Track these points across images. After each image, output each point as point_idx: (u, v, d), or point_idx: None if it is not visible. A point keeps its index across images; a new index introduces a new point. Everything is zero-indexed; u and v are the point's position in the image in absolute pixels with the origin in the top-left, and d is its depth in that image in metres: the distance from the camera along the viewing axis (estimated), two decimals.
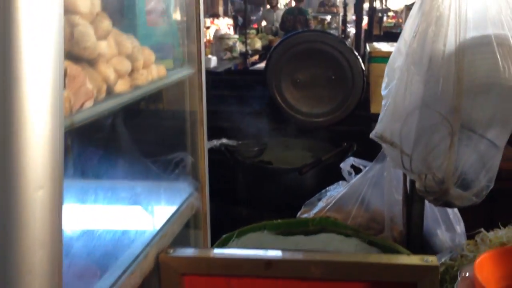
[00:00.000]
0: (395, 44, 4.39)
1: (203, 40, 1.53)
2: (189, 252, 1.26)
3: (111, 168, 1.28)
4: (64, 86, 0.79)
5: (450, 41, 1.64)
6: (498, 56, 1.64)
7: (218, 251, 1.43)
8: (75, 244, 1.08)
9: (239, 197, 3.42)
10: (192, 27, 1.47)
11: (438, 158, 1.68)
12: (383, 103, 1.81)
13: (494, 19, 1.65)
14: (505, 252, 1.42)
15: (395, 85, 1.73)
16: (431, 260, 1.31)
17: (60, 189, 0.73)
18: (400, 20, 14.33)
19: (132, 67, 1.17)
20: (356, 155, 3.50)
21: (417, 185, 1.75)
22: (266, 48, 11.63)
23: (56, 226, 0.74)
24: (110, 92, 1.06)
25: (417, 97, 1.69)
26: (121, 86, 1.10)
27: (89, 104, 0.93)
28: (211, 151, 3.47)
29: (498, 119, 1.69)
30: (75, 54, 0.95)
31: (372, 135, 1.79)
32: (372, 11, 4.41)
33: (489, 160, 1.71)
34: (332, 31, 12.45)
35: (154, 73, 1.28)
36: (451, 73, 1.65)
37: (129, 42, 1.16)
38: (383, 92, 1.82)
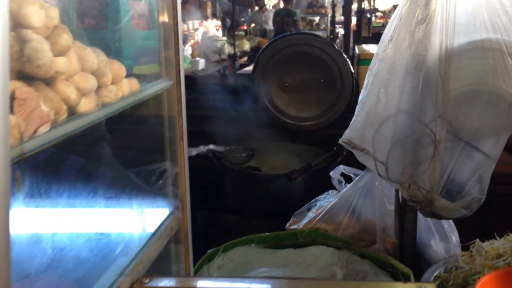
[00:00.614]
0: None
1: (182, 49, 1.45)
2: (165, 282, 1.18)
3: (82, 188, 1.20)
4: (12, 111, 0.71)
5: (433, 46, 1.57)
6: (486, 62, 1.57)
7: (198, 282, 1.34)
8: (40, 274, 1.00)
9: (227, 204, 3.34)
10: (170, 36, 1.38)
11: (420, 167, 1.61)
12: (356, 109, 1.74)
13: (484, 22, 1.58)
14: (507, 274, 1.35)
15: (368, 91, 1.66)
16: None
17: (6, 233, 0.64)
18: (389, 20, 14.30)
19: (99, 84, 1.08)
20: (346, 160, 3.45)
21: (403, 194, 1.69)
22: (254, 50, 11.58)
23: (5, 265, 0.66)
24: (73, 113, 0.97)
25: (392, 104, 1.62)
26: (85, 105, 1.01)
27: (44, 128, 0.83)
28: (198, 157, 3.41)
29: (488, 128, 1.62)
30: (27, 74, 0.85)
31: (340, 140, 1.72)
32: (360, 13, 4.33)
33: (479, 171, 1.64)
34: (320, 32, 12.41)
35: (125, 88, 1.18)
36: (433, 80, 1.58)
37: (94, 57, 1.06)
38: (359, 98, 1.75)
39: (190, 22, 13.61)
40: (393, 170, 1.60)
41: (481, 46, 1.57)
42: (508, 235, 1.72)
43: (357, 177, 1.98)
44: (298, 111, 3.80)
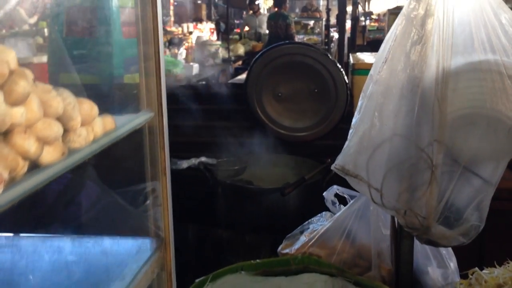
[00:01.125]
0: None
1: (163, 76, 1.36)
2: None
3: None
4: None
5: (429, 68, 1.51)
6: (485, 84, 1.50)
7: None
8: None
9: (219, 218, 3.27)
10: (151, 65, 1.30)
11: (416, 193, 1.55)
12: (349, 133, 1.67)
13: (482, 43, 1.51)
14: None
15: (362, 114, 1.59)
16: None
17: None
18: (383, 24, 14.29)
19: (66, 128, 0.99)
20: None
21: (399, 220, 1.62)
22: (249, 54, 11.53)
23: None
24: (35, 165, 0.89)
25: (386, 128, 1.55)
26: (49, 155, 0.92)
27: None
28: (189, 169, 3.34)
29: (487, 153, 1.55)
30: None
31: (332, 166, 1.65)
32: (355, 20, 4.26)
33: (478, 197, 1.57)
34: (315, 36, 12.36)
35: (98, 129, 1.08)
36: (429, 102, 1.51)
37: (59, 100, 0.94)
38: (353, 121, 1.68)
39: (184, 25, 13.58)
40: (388, 197, 1.53)
41: (479, 67, 1.51)
42: (508, 264, 1.66)
43: (352, 201, 1.91)
44: (292, 122, 3.74)
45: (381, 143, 1.54)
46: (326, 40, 11.30)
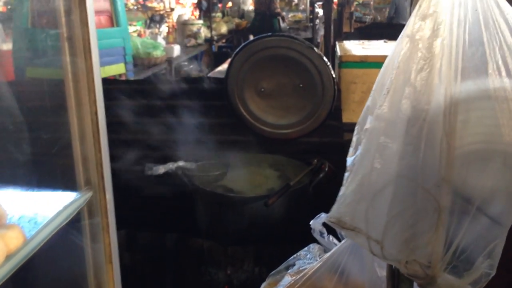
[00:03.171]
0: (367, 43, 3.98)
1: (105, 138, 1.08)
2: None
3: None
4: None
5: (437, 97, 1.27)
6: (500, 115, 1.28)
7: None
8: None
9: (200, 227, 3.05)
10: (86, 122, 1.03)
11: (420, 240, 1.33)
12: (345, 176, 1.43)
13: (497, 66, 1.28)
14: None
15: (361, 155, 1.35)
16: None
17: None
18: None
19: None
20: (329, 175, 3.17)
21: (400, 269, 1.40)
22: (232, 32, 11.22)
23: None
24: None
25: (389, 171, 1.32)
26: None
27: None
28: (166, 176, 3.10)
29: (502, 192, 1.33)
30: None
31: (327, 219, 1.42)
32: (342, 6, 4.01)
33: (490, 242, 1.36)
34: (300, 13, 12.06)
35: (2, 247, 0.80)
36: (437, 137, 1.29)
37: None
38: (348, 161, 1.44)
39: (166, 1, 13.19)
40: (389, 248, 1.32)
41: (493, 95, 1.28)
42: None
43: (343, 240, 1.69)
44: (276, 118, 3.51)
45: (383, 188, 1.32)
46: (311, 17, 11.02)
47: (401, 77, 1.26)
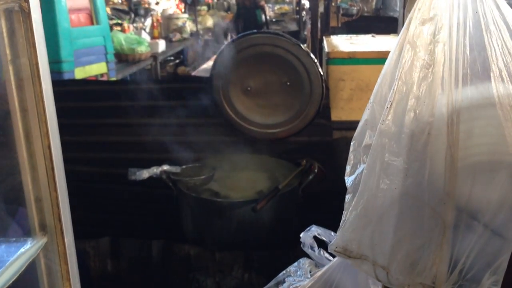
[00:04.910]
0: (354, 38, 3.86)
1: (61, 168, 0.93)
2: None
3: None
4: None
5: (440, 108, 1.18)
6: (504, 124, 1.18)
7: None
8: None
9: (186, 233, 2.95)
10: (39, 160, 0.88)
11: (426, 262, 1.24)
12: (346, 198, 1.32)
13: (500, 71, 1.18)
14: None
15: (365, 175, 1.24)
16: None
17: None
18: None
19: None
20: (318, 176, 3.07)
21: None
22: (218, 25, 11.08)
23: None
24: None
25: (395, 191, 1.21)
26: None
27: None
28: (151, 180, 2.99)
29: (509, 205, 1.24)
30: None
31: (331, 248, 1.31)
32: (328, 0, 3.90)
33: (497, 258, 1.27)
34: (286, 5, 11.94)
35: None
36: (441, 150, 1.19)
37: None
38: (347, 181, 1.33)
39: None
40: (395, 274, 1.22)
41: (497, 102, 1.18)
42: None
43: (337, 257, 1.59)
44: (263, 117, 3.40)
45: (388, 210, 1.21)
46: (298, 9, 10.90)
47: (403, 88, 1.16)
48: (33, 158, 0.89)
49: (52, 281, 0.94)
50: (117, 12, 9.08)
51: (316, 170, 3.02)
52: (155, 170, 2.96)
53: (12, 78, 0.88)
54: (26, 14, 0.86)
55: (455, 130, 1.17)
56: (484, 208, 1.23)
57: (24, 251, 0.88)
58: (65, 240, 0.92)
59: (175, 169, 2.99)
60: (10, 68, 0.87)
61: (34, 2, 0.86)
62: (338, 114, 3.51)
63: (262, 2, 9.97)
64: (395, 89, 1.16)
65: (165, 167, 2.97)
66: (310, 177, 2.99)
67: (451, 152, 1.17)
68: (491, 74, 1.16)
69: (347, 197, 1.30)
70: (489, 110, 1.19)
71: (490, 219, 1.23)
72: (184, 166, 3.04)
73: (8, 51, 0.87)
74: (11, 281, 0.82)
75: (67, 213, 0.94)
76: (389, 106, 1.17)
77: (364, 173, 1.23)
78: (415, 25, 1.15)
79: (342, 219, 1.29)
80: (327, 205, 2.81)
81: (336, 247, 1.27)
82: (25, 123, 0.90)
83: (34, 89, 0.88)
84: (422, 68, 1.15)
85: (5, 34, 0.87)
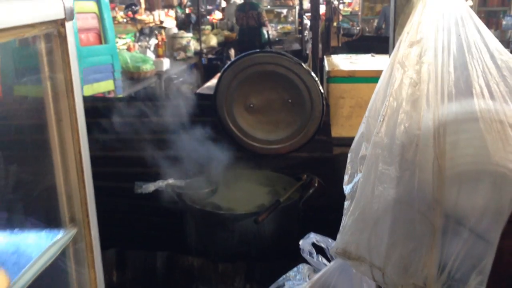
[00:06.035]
0: (354, 57, 4.00)
1: (89, 173, 1.05)
2: None
3: None
4: None
5: (426, 122, 1.28)
6: (487, 136, 1.29)
7: None
8: None
9: (190, 245, 3.04)
10: (70, 156, 1.00)
11: (418, 263, 1.33)
12: (345, 205, 1.43)
13: (481, 88, 1.29)
14: None
15: (361, 183, 1.35)
16: None
17: None
18: (357, 8, 14.12)
19: None
20: (318, 191, 3.17)
21: None
22: (222, 44, 11.23)
23: None
24: None
25: (388, 197, 1.32)
26: None
27: None
28: (156, 193, 3.09)
29: (491, 211, 1.34)
30: None
31: (332, 251, 1.42)
32: (329, 21, 4.03)
33: (482, 259, 1.37)
34: (288, 25, 12.11)
35: None
36: (429, 160, 1.30)
37: None
38: (346, 189, 1.44)
39: (155, 13, 13.20)
40: (391, 274, 1.32)
41: (480, 116, 1.29)
42: None
43: (333, 261, 1.69)
44: (265, 134, 3.51)
45: (383, 215, 1.32)
46: (300, 28, 11.06)
47: (394, 103, 1.27)
48: (66, 161, 1.00)
49: (80, 267, 1.05)
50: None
51: (316, 185, 3.12)
52: (161, 184, 3.06)
53: (49, 92, 1.00)
54: (63, 38, 0.97)
55: (442, 142, 1.28)
56: (469, 213, 1.33)
57: (59, 239, 0.99)
58: (92, 232, 1.03)
59: (180, 182, 3.09)
60: (48, 83, 0.98)
61: (69, 28, 0.97)
62: (338, 130, 3.63)
63: (266, 22, 10.15)
64: (387, 105, 1.27)
65: (170, 181, 3.07)
66: (311, 191, 3.09)
67: (438, 162, 1.27)
68: (473, 91, 1.28)
69: (346, 203, 1.41)
70: (472, 123, 1.30)
71: (475, 224, 1.34)
72: (188, 180, 3.14)
73: (46, 69, 0.99)
74: (48, 263, 0.93)
75: (93, 209, 1.04)
76: (382, 120, 1.28)
77: (361, 181, 1.33)
78: (404, 47, 1.26)
79: (342, 223, 1.40)
80: (326, 218, 2.90)
81: (337, 249, 1.37)
82: (59, 131, 1.01)
83: (68, 102, 1.00)
84: (410, 85, 1.26)
85: (44, 55, 0.99)
